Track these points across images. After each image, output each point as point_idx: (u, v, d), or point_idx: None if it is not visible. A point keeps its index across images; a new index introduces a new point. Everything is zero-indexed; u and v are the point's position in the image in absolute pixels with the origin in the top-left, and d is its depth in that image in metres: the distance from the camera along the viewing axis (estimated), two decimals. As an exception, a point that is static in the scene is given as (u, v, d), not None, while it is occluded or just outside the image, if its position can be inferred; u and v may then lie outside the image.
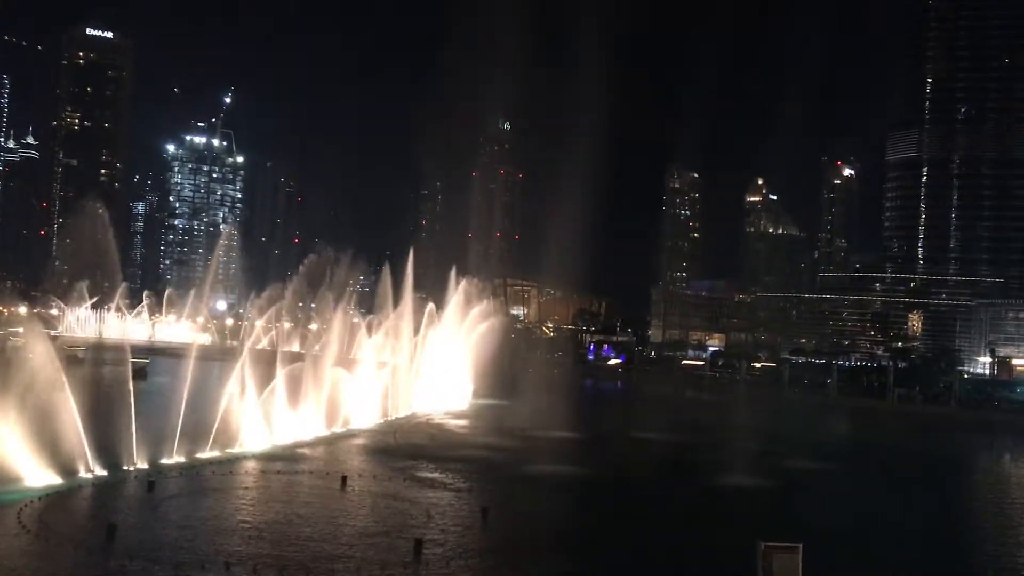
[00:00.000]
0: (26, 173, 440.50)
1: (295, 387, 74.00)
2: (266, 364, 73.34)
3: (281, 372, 72.49)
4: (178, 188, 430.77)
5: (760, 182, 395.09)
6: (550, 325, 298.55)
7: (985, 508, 68.05)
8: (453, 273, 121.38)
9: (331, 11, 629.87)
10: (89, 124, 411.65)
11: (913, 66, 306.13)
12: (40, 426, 49.57)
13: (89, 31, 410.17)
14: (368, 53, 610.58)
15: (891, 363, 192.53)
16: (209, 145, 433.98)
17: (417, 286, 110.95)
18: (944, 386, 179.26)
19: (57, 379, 51.54)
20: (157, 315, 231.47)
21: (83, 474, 51.29)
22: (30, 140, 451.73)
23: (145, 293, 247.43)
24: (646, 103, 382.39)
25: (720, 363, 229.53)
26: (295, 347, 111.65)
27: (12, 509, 43.65)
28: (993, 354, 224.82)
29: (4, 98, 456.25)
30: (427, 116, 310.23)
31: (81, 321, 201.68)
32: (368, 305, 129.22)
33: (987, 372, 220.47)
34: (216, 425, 63.61)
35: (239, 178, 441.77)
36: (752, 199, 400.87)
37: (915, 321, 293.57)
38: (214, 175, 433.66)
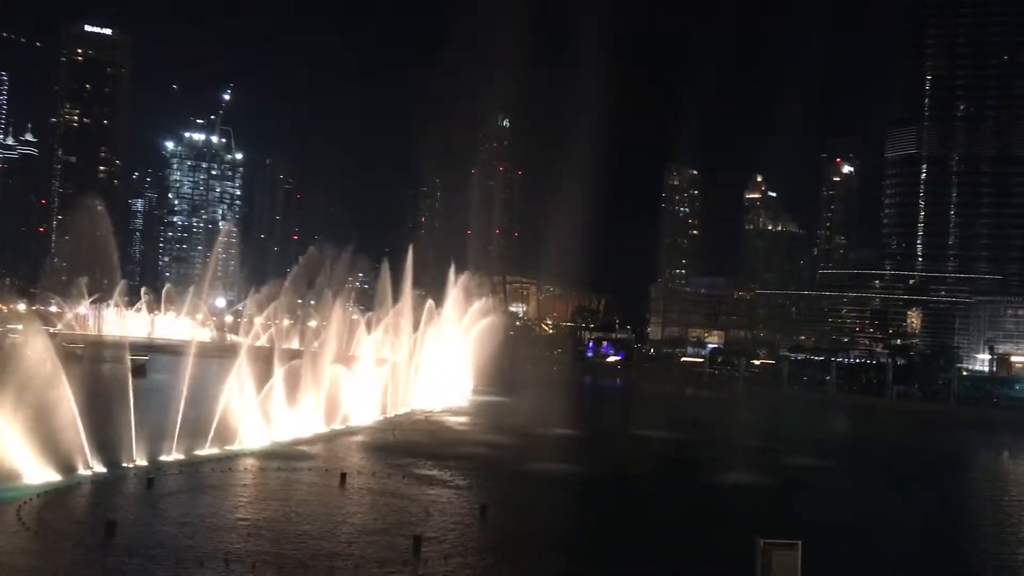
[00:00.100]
0: (25, 170, 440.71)
1: (294, 384, 73.92)
2: (265, 361, 73.34)
3: (280, 369, 72.46)
4: (177, 185, 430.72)
5: (759, 179, 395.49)
6: (549, 322, 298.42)
7: (984, 505, 68.01)
8: (452, 270, 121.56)
9: (331, 10, 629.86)
10: (88, 121, 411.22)
11: (912, 63, 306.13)
12: (39, 423, 49.52)
13: (88, 28, 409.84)
14: (368, 52, 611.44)
15: (890, 360, 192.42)
16: (208, 142, 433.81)
17: (416, 283, 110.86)
18: (943, 383, 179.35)
19: (56, 376, 51.48)
20: (156, 312, 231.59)
21: (82, 471, 51.24)
22: (29, 137, 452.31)
23: (144, 290, 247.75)
24: (646, 101, 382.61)
25: (719, 360, 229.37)
26: (294, 344, 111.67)
27: (11, 506, 43.59)
28: (992, 351, 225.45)
29: (3, 95, 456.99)
30: (426, 114, 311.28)
31: (80, 318, 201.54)
32: (367, 302, 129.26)
33: (986, 369, 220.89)
34: (215, 422, 63.61)
35: (238, 175, 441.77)
36: (751, 196, 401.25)
37: (914, 318, 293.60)
38: (213, 172, 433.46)
